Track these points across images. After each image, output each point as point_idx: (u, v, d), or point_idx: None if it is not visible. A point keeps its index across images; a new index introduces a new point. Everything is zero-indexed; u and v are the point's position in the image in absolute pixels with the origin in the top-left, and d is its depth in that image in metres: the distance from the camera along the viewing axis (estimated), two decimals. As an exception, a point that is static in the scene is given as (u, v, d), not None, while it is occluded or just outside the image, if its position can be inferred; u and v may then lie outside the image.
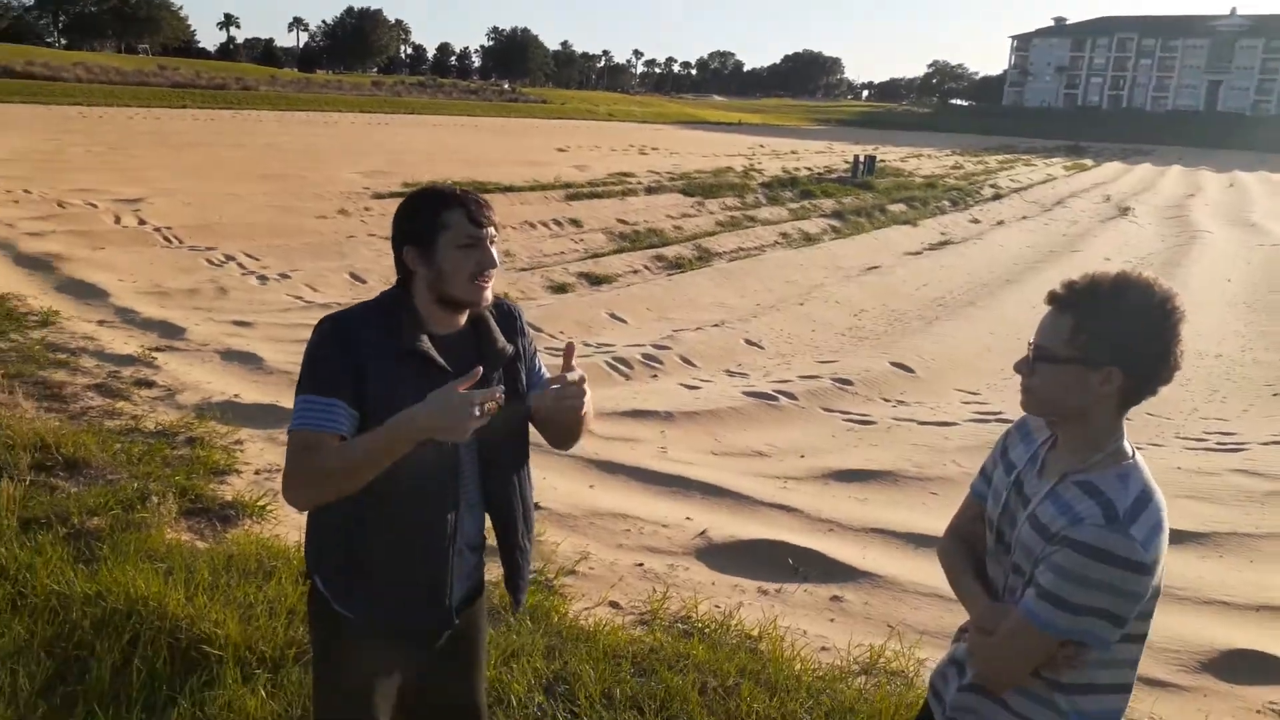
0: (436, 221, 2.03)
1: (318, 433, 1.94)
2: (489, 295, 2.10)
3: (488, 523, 2.27)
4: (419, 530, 2.11)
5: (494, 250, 2.08)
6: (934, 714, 2.05)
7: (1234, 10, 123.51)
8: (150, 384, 7.03)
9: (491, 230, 2.07)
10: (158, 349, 8.07)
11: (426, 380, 1.96)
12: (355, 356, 1.99)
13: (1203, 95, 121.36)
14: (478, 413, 1.83)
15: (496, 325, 2.19)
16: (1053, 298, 1.78)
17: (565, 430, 2.21)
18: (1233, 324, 12.65)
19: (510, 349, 2.19)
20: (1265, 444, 7.51)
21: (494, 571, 2.42)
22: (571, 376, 2.03)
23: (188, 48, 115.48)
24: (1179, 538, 5.53)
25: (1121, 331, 1.69)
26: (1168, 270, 16.60)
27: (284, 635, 3.46)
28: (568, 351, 2.10)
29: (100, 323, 8.89)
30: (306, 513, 2.15)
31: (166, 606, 3.50)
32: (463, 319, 2.13)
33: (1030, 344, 1.80)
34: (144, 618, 3.43)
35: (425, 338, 2.06)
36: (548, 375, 2.24)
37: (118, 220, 13.91)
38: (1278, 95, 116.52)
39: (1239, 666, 4.19)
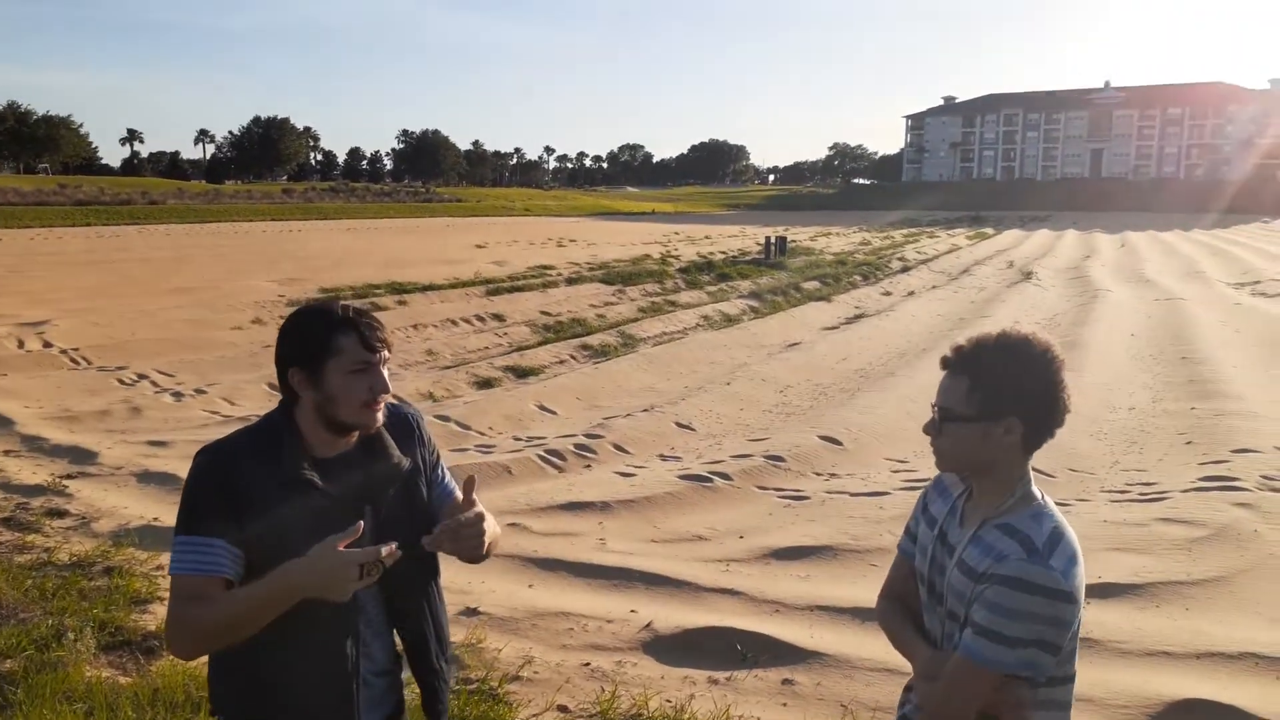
0: (327, 345, 1.94)
1: (199, 577, 1.85)
2: (380, 418, 2.01)
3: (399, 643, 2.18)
4: (320, 661, 1.98)
5: (386, 373, 2.00)
6: None
7: (1108, 83, 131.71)
8: (62, 513, 6.72)
9: (385, 353, 1.99)
10: (69, 476, 7.74)
11: (310, 509, 1.90)
12: (234, 490, 1.88)
13: (1088, 163, 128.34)
14: (357, 575, 1.76)
15: (391, 439, 2.08)
16: (945, 362, 1.91)
17: (468, 557, 2.07)
18: (1141, 376, 13.14)
19: (406, 463, 2.09)
20: (1185, 491, 7.74)
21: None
22: (467, 516, 1.95)
23: (90, 164, 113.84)
24: (1116, 591, 5.65)
25: (1013, 384, 1.83)
26: (1075, 329, 17.25)
27: (217, 772, 3.27)
28: (467, 486, 2.02)
29: (6, 453, 8.51)
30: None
31: (87, 752, 3.29)
32: (352, 439, 2.03)
33: (934, 407, 1.92)
34: (63, 766, 3.21)
35: (307, 464, 1.96)
36: (451, 485, 2.19)
37: (21, 345, 13.45)
38: (1155, 159, 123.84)
39: (1186, 715, 4.23)
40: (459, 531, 1.95)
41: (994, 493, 1.89)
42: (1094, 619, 5.29)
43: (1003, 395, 1.83)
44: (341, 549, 1.78)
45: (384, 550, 1.80)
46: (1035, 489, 1.90)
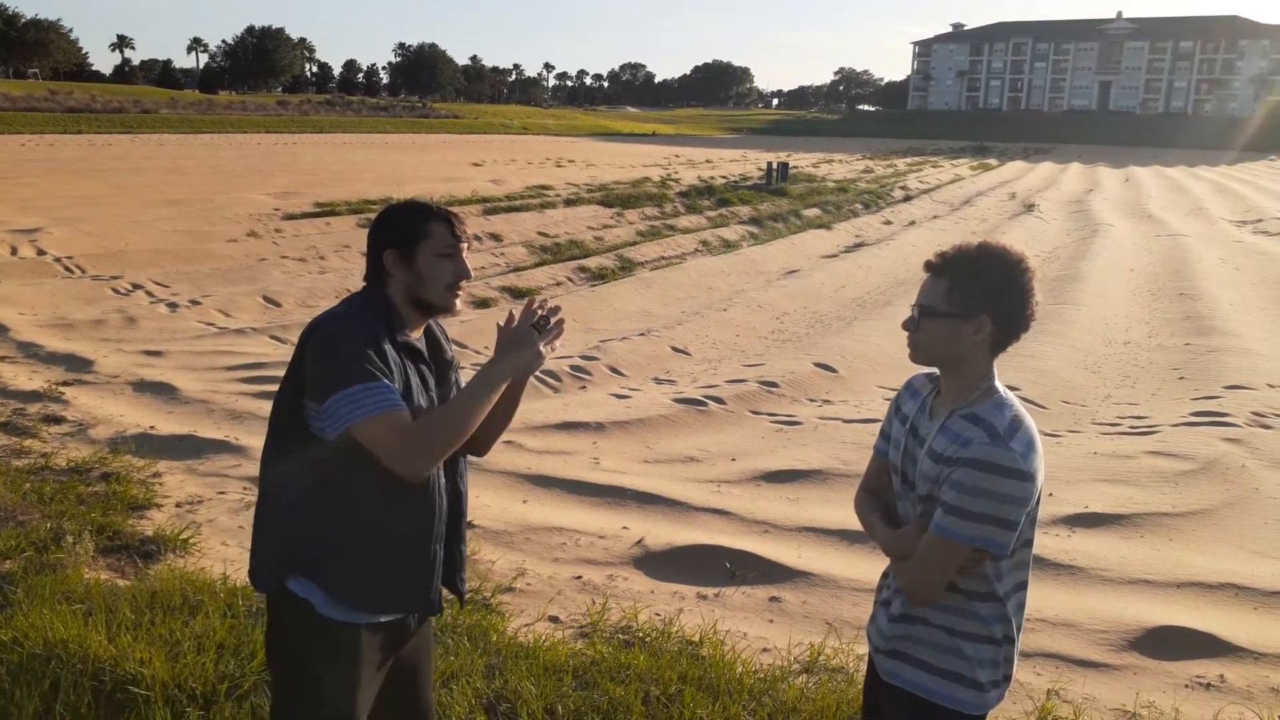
0: (421, 229, 2.18)
1: (403, 411, 2.04)
2: (460, 304, 2.24)
3: None
4: (419, 518, 2.20)
5: (468, 262, 2.24)
6: (875, 666, 2.27)
7: (1120, 14, 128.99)
8: (59, 420, 6.75)
9: (466, 244, 2.24)
10: (65, 383, 7.75)
11: (416, 370, 2.17)
12: (377, 346, 2.08)
13: (1095, 95, 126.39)
14: (536, 336, 2.15)
15: (440, 337, 2.35)
16: (929, 265, 2.10)
17: (505, 416, 2.33)
18: (1138, 312, 13.15)
19: (454, 357, 2.37)
20: (1175, 425, 7.80)
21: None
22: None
23: (80, 71, 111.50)
24: (1102, 520, 5.73)
25: (988, 286, 2.02)
26: (1074, 263, 17.20)
27: (214, 670, 3.34)
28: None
29: (2, 359, 8.51)
30: (263, 519, 2.20)
31: (88, 649, 3.35)
32: (420, 331, 2.26)
33: (914, 306, 2.11)
34: (65, 662, 3.28)
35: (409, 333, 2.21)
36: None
37: (14, 251, 13.34)
38: (1164, 94, 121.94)
39: (1165, 643, 4.33)
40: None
41: (961, 387, 2.08)
42: (1079, 547, 5.38)
43: (977, 296, 2.01)
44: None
45: (536, 309, 2.19)
46: (998, 384, 2.08)
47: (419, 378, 2.17)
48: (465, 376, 2.36)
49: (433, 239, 2.18)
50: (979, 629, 2.08)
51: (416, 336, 2.23)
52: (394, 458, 2.02)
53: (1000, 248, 2.04)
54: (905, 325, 2.12)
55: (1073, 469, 6.72)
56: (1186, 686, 4.04)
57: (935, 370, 2.17)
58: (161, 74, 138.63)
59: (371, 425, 2.00)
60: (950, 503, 1.97)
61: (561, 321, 2.24)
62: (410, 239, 2.18)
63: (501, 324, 2.22)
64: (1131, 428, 7.89)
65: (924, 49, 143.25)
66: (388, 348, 2.10)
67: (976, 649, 2.09)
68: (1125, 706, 3.83)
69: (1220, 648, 4.32)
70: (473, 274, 2.28)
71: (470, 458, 2.40)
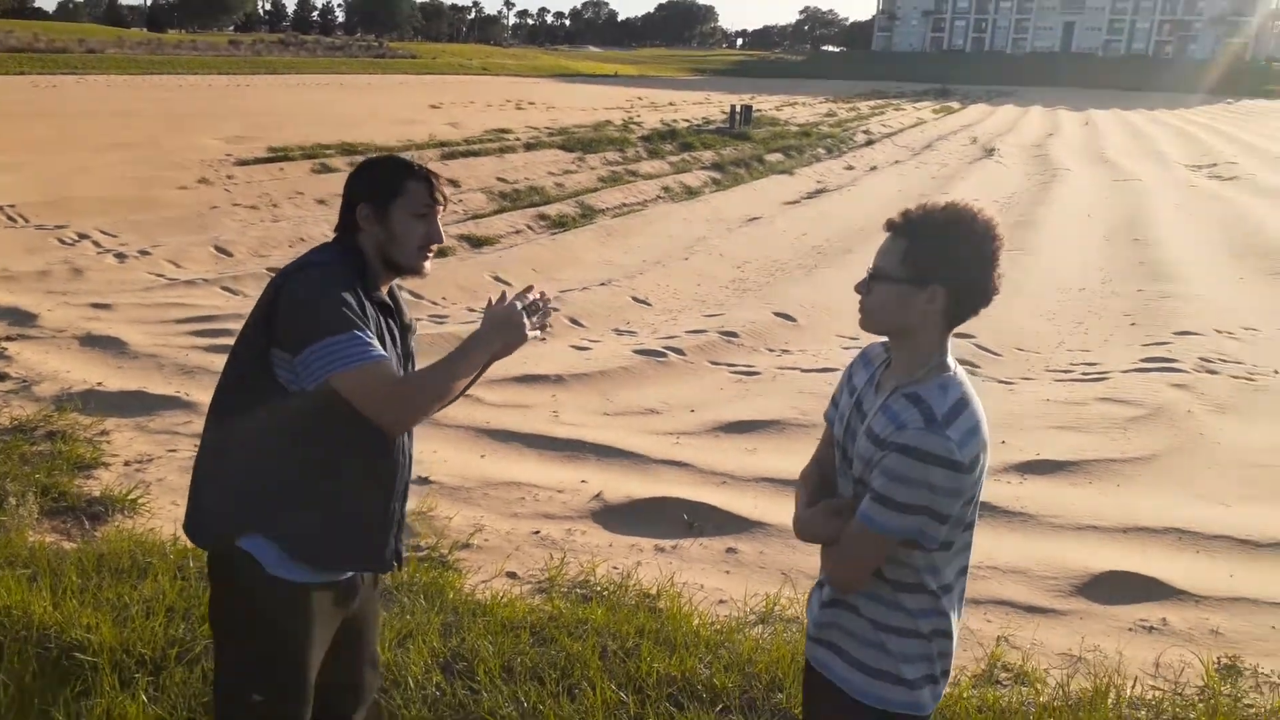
0: (398, 186, 2.14)
1: (388, 362, 2.03)
2: (429, 267, 2.21)
3: None
4: (386, 477, 2.19)
5: (440, 226, 2.20)
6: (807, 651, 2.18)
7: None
8: (2, 377, 6.59)
9: (442, 208, 2.20)
10: (8, 338, 7.55)
11: (386, 327, 2.15)
12: (356, 297, 2.06)
13: (1059, 36, 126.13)
14: (523, 314, 2.13)
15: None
16: (890, 224, 1.94)
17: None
18: (1094, 258, 13.27)
19: (412, 322, 2.35)
20: (1126, 371, 7.93)
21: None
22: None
23: (21, 8, 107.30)
24: (1051, 467, 5.83)
25: (946, 255, 1.86)
26: (1032, 209, 17.29)
27: (164, 635, 3.31)
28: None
29: (-59, 312, 8.27)
30: (212, 471, 2.16)
31: (32, 614, 3.31)
32: (384, 290, 2.22)
33: (869, 268, 1.96)
34: (8, 628, 3.23)
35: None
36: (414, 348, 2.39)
37: (-46, 200, 12.91)
38: (1127, 35, 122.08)
39: (1111, 587, 4.44)
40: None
41: (909, 361, 1.94)
42: (1028, 494, 5.47)
43: (933, 263, 1.86)
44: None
45: (529, 294, 2.19)
46: (950, 361, 1.94)
47: (389, 334, 2.16)
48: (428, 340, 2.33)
49: (408, 197, 2.14)
50: (904, 622, 1.96)
51: (383, 295, 2.21)
52: (378, 410, 2.00)
53: (969, 211, 1.88)
54: (857, 288, 1.97)
55: (1025, 416, 6.81)
56: (1130, 630, 4.15)
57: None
58: (107, 11, 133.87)
59: (355, 376, 1.97)
60: (878, 490, 1.85)
61: (550, 310, 2.28)
62: (386, 195, 2.14)
63: (493, 300, 2.21)
64: (1084, 374, 8.01)
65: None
66: (364, 300, 2.09)
67: (901, 643, 1.96)
68: (1071, 650, 3.93)
69: (1163, 591, 4.44)
70: (444, 239, 2.23)
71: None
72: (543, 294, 2.23)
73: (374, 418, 2.00)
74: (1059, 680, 3.63)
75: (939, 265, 1.86)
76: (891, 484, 1.83)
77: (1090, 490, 5.65)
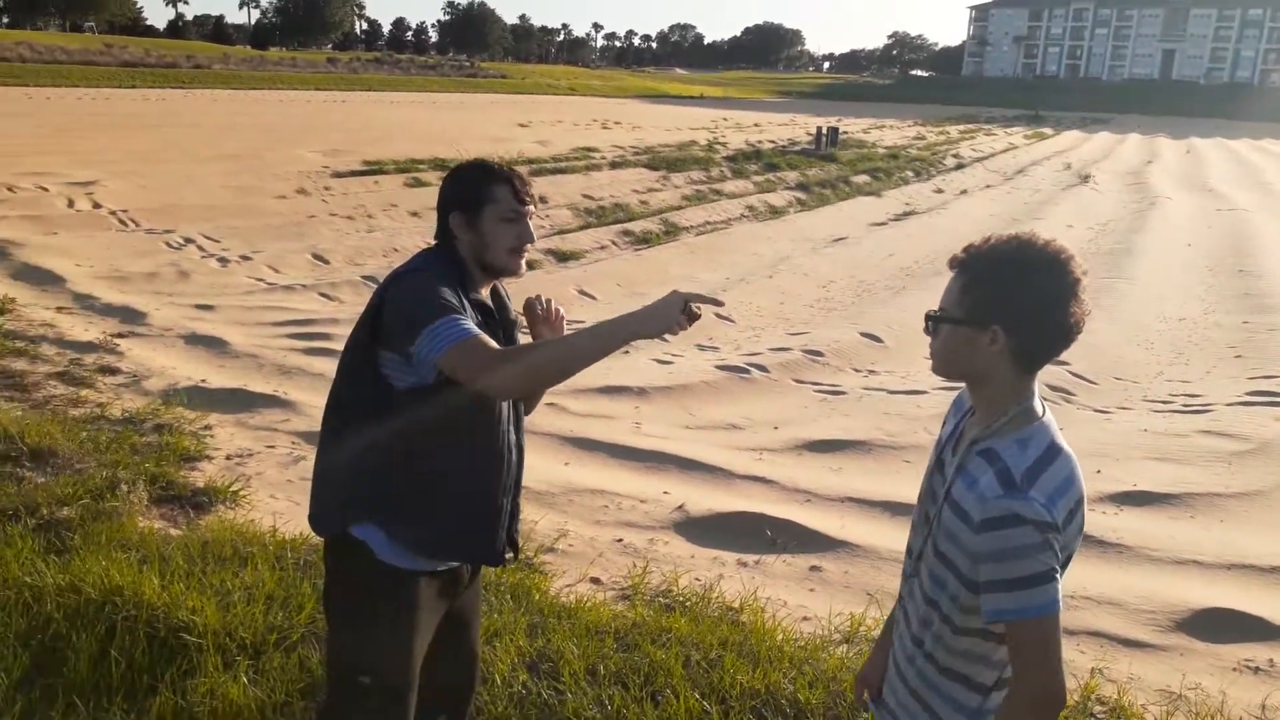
0: (484, 193, 2.19)
1: (484, 337, 2.05)
2: (524, 267, 2.25)
3: None
4: (491, 471, 2.24)
5: (532, 226, 2.25)
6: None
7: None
8: (114, 370, 6.89)
9: (531, 208, 2.24)
10: (120, 335, 7.91)
11: (487, 328, 2.15)
12: (455, 295, 2.11)
13: (1158, 64, 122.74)
14: (682, 305, 2.01)
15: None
16: (953, 261, 1.80)
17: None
18: (1194, 288, 12.84)
19: (516, 318, 2.40)
20: (1230, 405, 7.64)
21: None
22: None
23: (135, 25, 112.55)
24: (1151, 499, 5.64)
25: (1004, 291, 1.69)
26: (1129, 236, 16.81)
27: (263, 621, 3.41)
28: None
29: (59, 309, 8.69)
30: (327, 463, 2.24)
31: (142, 595, 3.43)
32: (487, 291, 2.28)
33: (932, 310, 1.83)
34: (120, 607, 3.36)
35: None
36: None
37: (71, 204, 13.58)
38: (1230, 63, 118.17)
39: (1213, 625, 4.26)
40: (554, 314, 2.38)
41: (987, 410, 1.77)
42: (1126, 525, 5.30)
43: (990, 300, 1.70)
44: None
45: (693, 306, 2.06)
46: (1038, 404, 1.75)
47: (489, 332, 2.17)
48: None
49: (497, 203, 2.19)
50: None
51: (484, 296, 2.26)
52: (478, 374, 2.01)
53: (1034, 245, 1.70)
54: (925, 330, 1.83)
55: (1121, 446, 6.61)
56: (1234, 669, 3.98)
57: None
58: (214, 29, 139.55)
59: (456, 350, 2.02)
60: (990, 580, 1.65)
61: (559, 314, 2.36)
62: (475, 202, 2.19)
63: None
64: (1184, 406, 7.74)
65: (980, 13, 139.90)
66: (464, 300, 2.14)
67: None
68: (1171, 688, 3.78)
69: (1270, 631, 4.24)
70: (536, 238, 2.28)
71: None
72: (535, 300, 2.33)
73: (478, 385, 2.02)
74: (1157, 716, 3.50)
75: (996, 302, 1.69)
76: (994, 565, 1.64)
77: (1191, 524, 5.44)
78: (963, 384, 1.87)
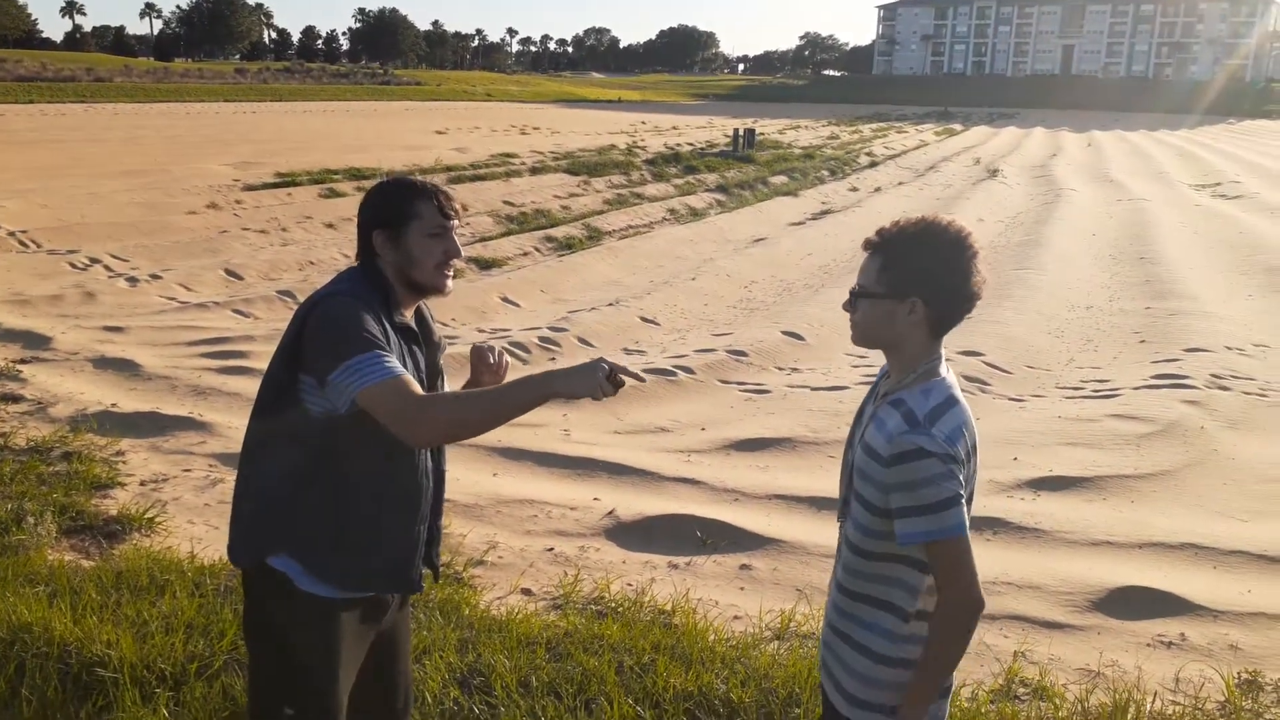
0: (408, 209, 2.15)
1: (408, 377, 2.01)
2: (450, 284, 2.22)
3: None
4: (409, 500, 2.20)
5: (458, 241, 2.21)
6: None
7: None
8: (17, 398, 6.62)
9: (456, 222, 2.21)
10: (22, 361, 7.60)
11: (409, 352, 2.16)
12: (378, 322, 2.08)
13: (1058, 59, 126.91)
14: (606, 373, 1.98)
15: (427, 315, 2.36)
16: (867, 243, 2.01)
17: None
18: (1099, 276, 13.29)
19: (440, 340, 2.37)
20: (1137, 388, 7.93)
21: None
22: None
23: (30, 38, 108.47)
24: (1065, 484, 5.82)
25: (920, 267, 1.91)
26: (1037, 228, 17.34)
27: (183, 650, 3.31)
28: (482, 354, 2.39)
29: (-45, 336, 8.31)
30: (244, 493, 2.19)
31: (53, 631, 3.31)
32: (410, 313, 2.24)
33: (852, 287, 2.03)
34: (29, 645, 3.24)
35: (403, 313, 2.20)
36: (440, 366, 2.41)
37: (-34, 225, 13.00)
38: (1126, 57, 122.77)
39: (1127, 603, 4.42)
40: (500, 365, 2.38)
41: (899, 370, 1.99)
42: (1042, 510, 5.46)
43: (909, 275, 1.91)
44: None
45: (618, 373, 2.02)
46: (940, 367, 1.97)
47: (412, 359, 2.17)
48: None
49: (422, 219, 2.15)
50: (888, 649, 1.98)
51: (409, 316, 2.23)
52: (401, 421, 1.98)
53: (939, 224, 1.93)
54: (844, 306, 2.04)
55: (1036, 433, 6.81)
56: (1149, 645, 4.13)
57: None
58: (114, 41, 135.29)
59: (380, 389, 1.98)
60: (916, 504, 1.83)
61: (637, 379, 2.20)
62: (399, 219, 2.15)
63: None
64: (1094, 391, 8.01)
65: (889, 13, 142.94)
66: (386, 326, 2.10)
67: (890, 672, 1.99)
68: (1090, 666, 3.91)
69: (1181, 606, 4.41)
70: (463, 253, 2.24)
71: None
72: (637, 374, 2.17)
73: (396, 431, 2.00)
74: (1078, 695, 3.61)
75: (914, 278, 1.91)
76: (915, 491, 1.83)
77: (1104, 506, 5.63)
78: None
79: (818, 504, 5.44)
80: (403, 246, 2.14)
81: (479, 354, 2.39)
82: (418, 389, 2.02)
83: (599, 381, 1.97)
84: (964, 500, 1.85)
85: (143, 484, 5.26)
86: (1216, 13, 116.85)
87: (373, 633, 2.28)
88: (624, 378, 2.01)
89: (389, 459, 2.11)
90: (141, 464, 5.56)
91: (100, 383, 7.25)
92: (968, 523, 1.85)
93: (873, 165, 28.35)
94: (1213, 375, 8.27)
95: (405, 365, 2.11)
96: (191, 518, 4.88)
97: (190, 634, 3.42)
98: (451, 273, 2.21)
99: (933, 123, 54.05)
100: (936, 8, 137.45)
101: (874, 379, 2.18)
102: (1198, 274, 13.30)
